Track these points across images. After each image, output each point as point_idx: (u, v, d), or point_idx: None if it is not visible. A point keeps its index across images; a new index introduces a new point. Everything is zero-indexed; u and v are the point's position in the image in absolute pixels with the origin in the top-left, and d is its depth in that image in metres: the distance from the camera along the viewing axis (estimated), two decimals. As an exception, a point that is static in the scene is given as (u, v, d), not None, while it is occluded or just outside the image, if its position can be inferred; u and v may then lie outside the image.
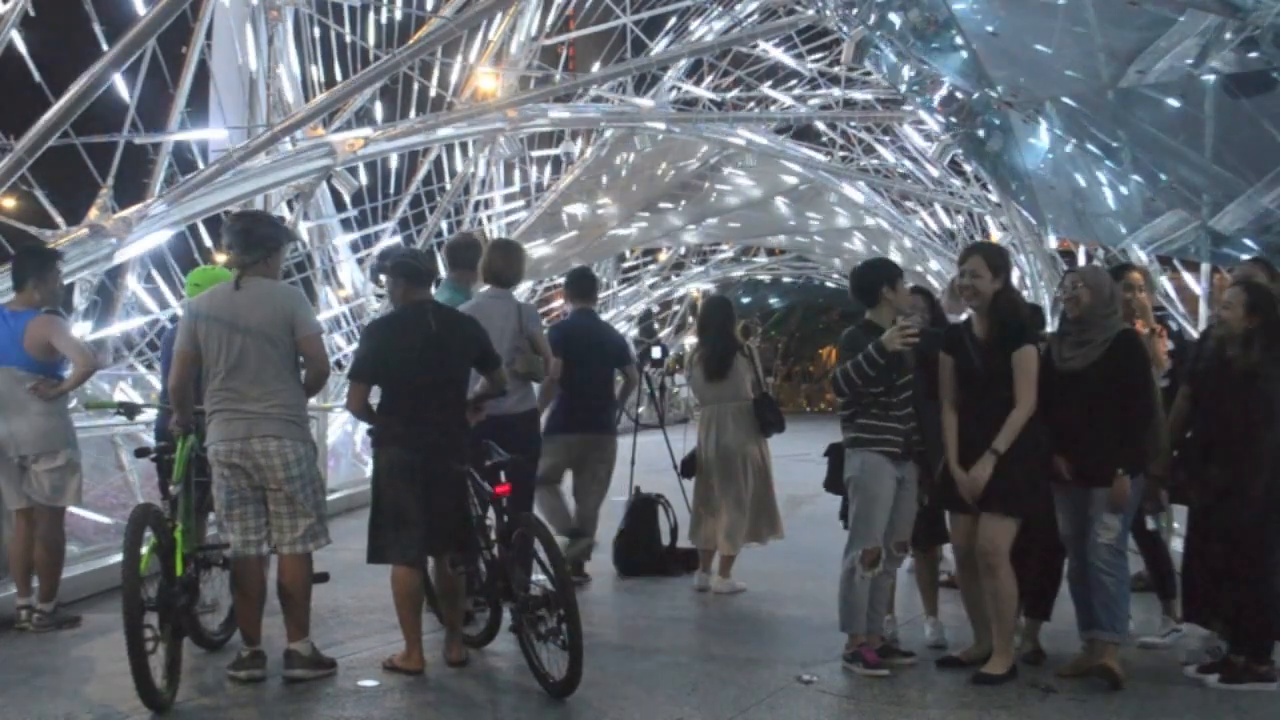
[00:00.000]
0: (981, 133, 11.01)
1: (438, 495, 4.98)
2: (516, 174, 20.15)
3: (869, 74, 18.63)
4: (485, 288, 6.48)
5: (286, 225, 5.33)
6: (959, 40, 9.26)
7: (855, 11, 11.81)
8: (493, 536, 5.19)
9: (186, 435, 5.10)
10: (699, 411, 7.41)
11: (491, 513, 5.23)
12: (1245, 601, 4.82)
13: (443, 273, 6.41)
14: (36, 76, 9.28)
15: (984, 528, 4.88)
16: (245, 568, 4.96)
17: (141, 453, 5.43)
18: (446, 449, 5.02)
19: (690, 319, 38.49)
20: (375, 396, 5.24)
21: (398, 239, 16.27)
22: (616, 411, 7.72)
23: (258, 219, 5.67)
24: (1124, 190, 9.89)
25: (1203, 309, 11.82)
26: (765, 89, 21.58)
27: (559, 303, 27.66)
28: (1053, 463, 4.90)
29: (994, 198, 18.65)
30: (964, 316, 5.48)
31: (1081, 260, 17.82)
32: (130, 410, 5.99)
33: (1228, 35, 6.99)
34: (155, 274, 11.42)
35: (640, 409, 13.15)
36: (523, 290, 22.08)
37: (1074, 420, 4.83)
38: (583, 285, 7.53)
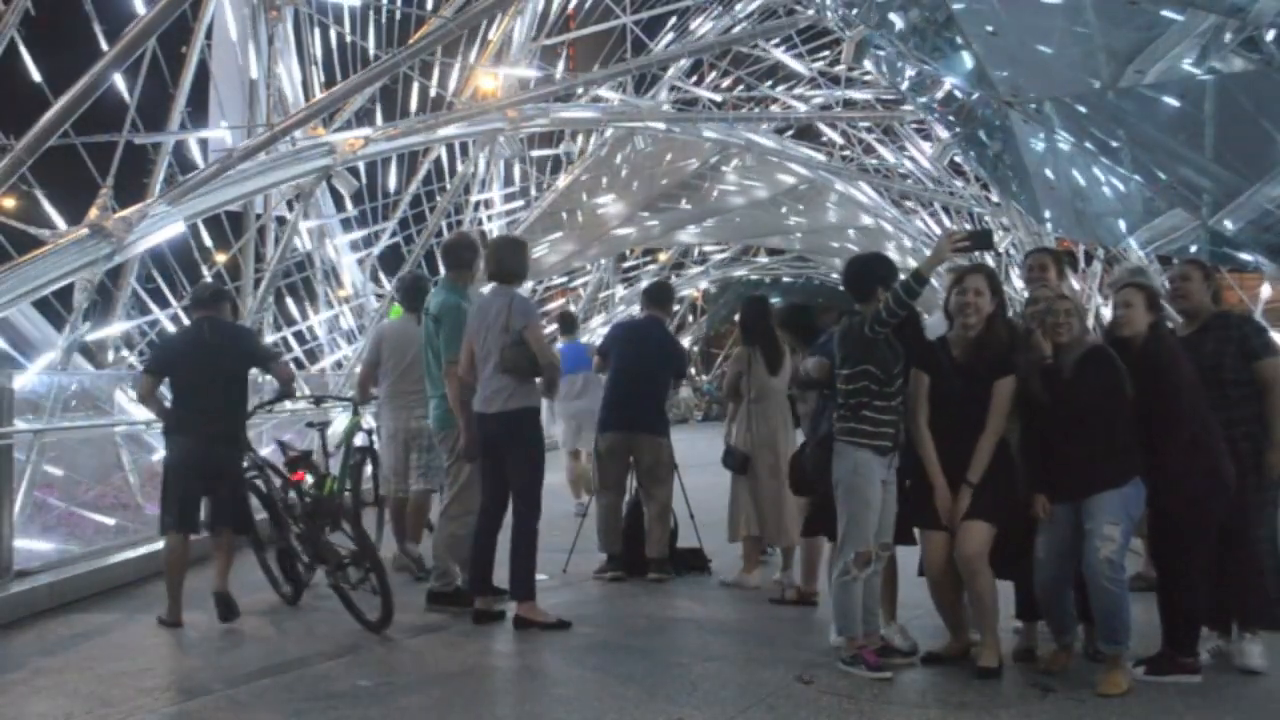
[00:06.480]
0: (981, 133, 10.99)
1: (217, 478, 6.13)
2: (516, 174, 20.16)
3: (869, 74, 18.63)
4: (489, 285, 6.31)
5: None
6: (959, 40, 9.24)
7: (855, 11, 11.80)
8: (296, 514, 6.26)
9: (355, 414, 7.40)
10: (746, 406, 7.26)
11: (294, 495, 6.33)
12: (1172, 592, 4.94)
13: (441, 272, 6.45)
14: (37, 76, 9.29)
15: (963, 535, 4.91)
16: (399, 502, 7.40)
17: (311, 425, 7.03)
18: (224, 438, 6.14)
19: (690, 319, 38.62)
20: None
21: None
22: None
23: None
24: (1124, 190, 9.86)
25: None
26: (765, 89, 21.58)
27: (560, 302, 27.69)
28: (1030, 493, 4.93)
29: (994, 198, 18.66)
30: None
31: (1081, 260, 17.86)
32: (320, 400, 7.86)
33: (1228, 35, 6.98)
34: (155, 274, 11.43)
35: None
36: (523, 290, 22.07)
37: (1060, 439, 4.86)
38: (654, 294, 8.18)
